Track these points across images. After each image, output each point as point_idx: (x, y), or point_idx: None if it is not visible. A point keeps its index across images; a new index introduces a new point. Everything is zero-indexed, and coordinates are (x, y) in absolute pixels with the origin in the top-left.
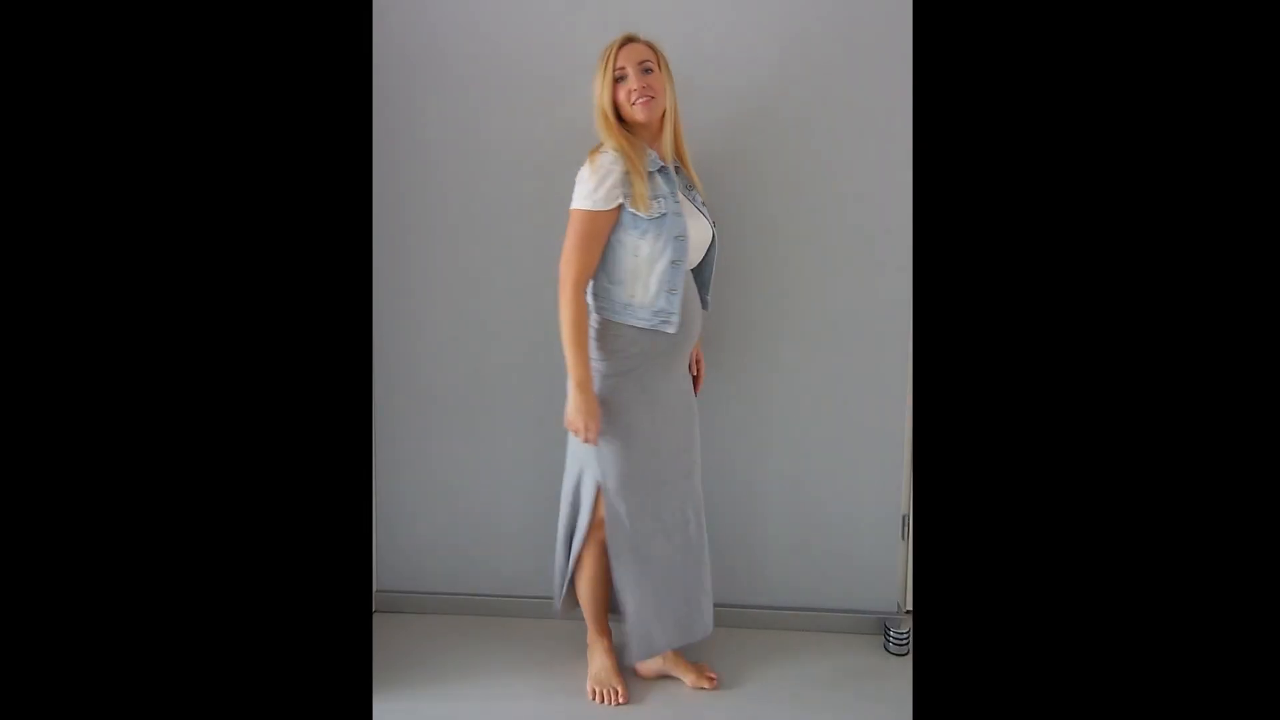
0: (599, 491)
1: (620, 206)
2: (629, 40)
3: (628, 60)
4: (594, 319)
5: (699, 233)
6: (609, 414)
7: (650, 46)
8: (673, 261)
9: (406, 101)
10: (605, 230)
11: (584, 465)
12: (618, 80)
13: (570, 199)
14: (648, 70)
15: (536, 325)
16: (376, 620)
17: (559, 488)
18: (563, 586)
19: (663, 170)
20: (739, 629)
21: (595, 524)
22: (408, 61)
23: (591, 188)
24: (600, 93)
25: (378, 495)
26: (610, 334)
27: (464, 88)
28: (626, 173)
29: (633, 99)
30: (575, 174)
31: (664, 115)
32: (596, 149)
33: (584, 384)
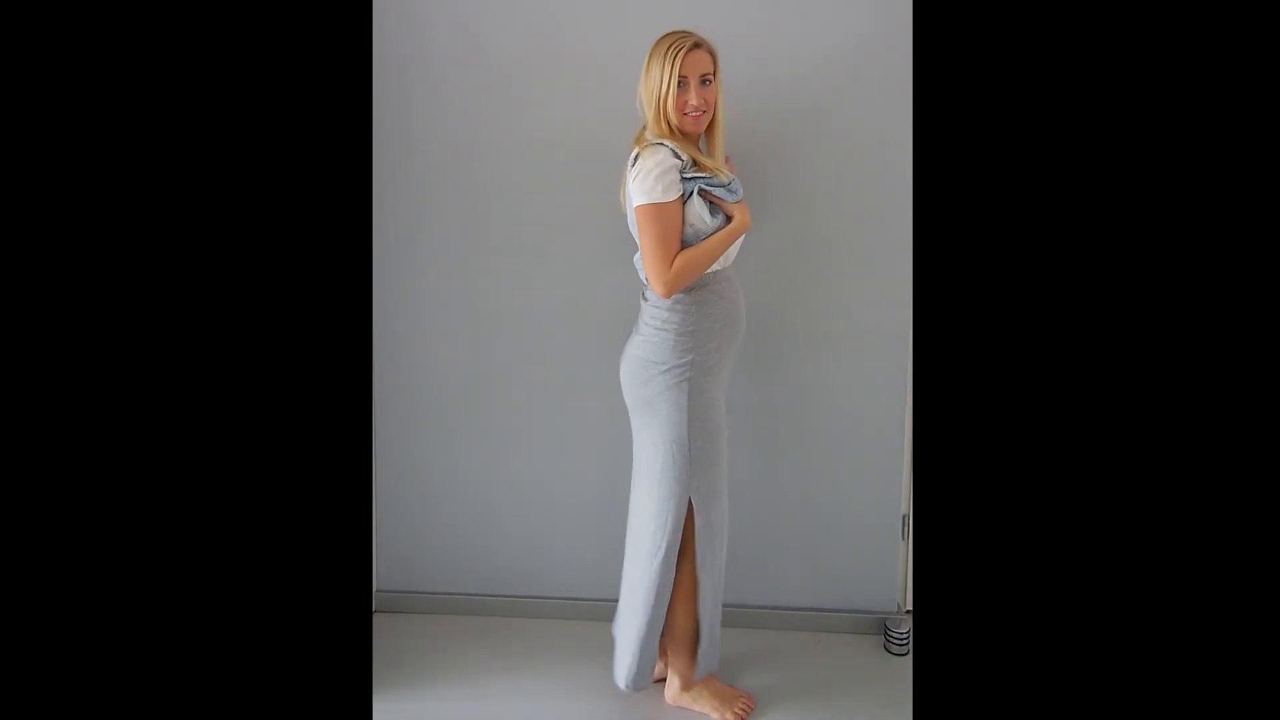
0: (689, 504)
1: (681, 197)
2: (696, 46)
3: (692, 70)
4: (686, 316)
5: None
6: (713, 426)
7: (712, 55)
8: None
9: (406, 102)
10: (678, 220)
11: (663, 485)
12: (678, 85)
13: (570, 197)
14: (706, 82)
15: (537, 325)
16: (376, 620)
17: (558, 488)
18: (651, 645)
19: None
20: (739, 629)
21: (688, 540)
22: (408, 62)
23: (652, 183)
24: (664, 93)
25: (378, 495)
26: (695, 322)
27: (465, 87)
28: (688, 163)
29: (686, 110)
30: (574, 172)
31: (713, 123)
32: (640, 136)
33: (729, 233)
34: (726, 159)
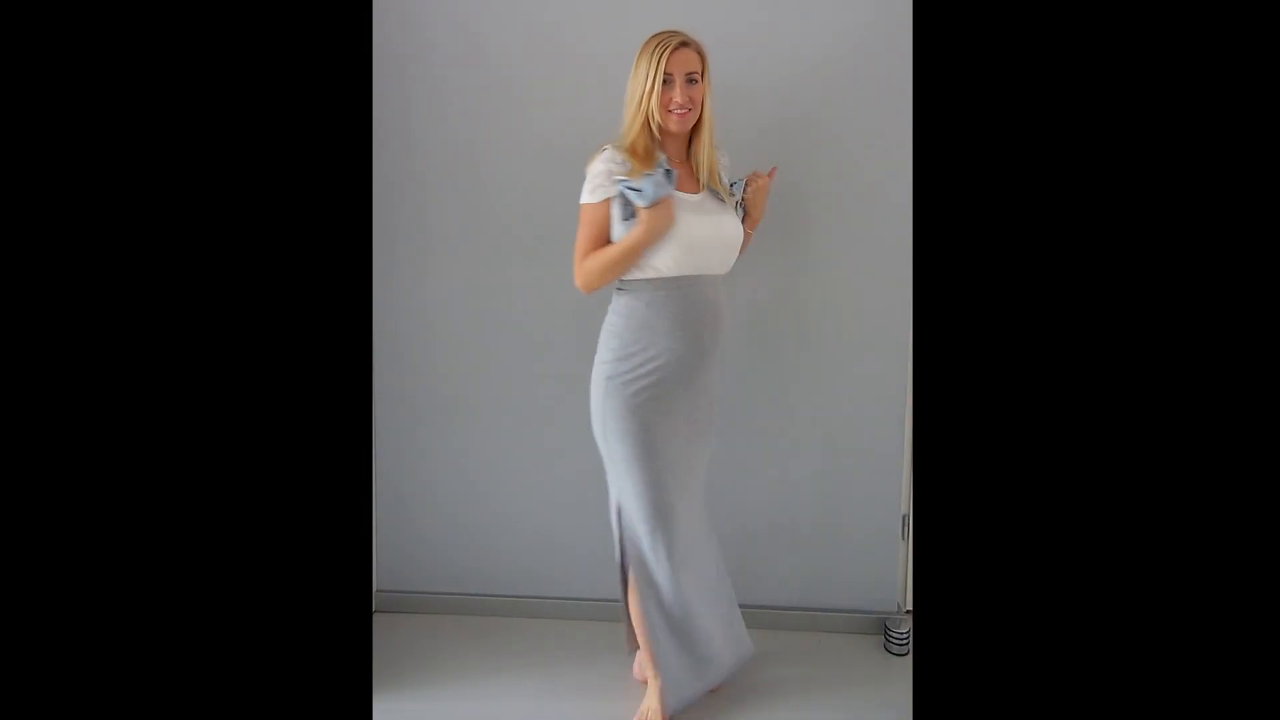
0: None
1: (609, 200)
2: (682, 45)
3: (677, 68)
4: (615, 317)
5: (704, 229)
6: (629, 428)
7: (700, 54)
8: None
9: (406, 102)
10: (603, 221)
11: (615, 485)
12: (663, 83)
13: (571, 197)
14: (692, 81)
15: (537, 324)
16: (376, 620)
17: (558, 487)
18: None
19: (668, 172)
20: None
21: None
22: (408, 62)
23: (585, 184)
24: (648, 93)
25: (378, 495)
26: (621, 323)
27: (465, 87)
28: (623, 167)
29: (671, 108)
30: (574, 172)
31: (699, 124)
32: (602, 146)
33: (635, 238)
34: (759, 174)
